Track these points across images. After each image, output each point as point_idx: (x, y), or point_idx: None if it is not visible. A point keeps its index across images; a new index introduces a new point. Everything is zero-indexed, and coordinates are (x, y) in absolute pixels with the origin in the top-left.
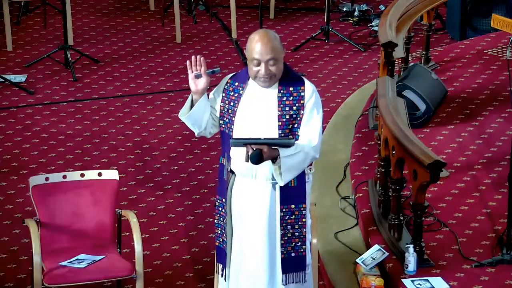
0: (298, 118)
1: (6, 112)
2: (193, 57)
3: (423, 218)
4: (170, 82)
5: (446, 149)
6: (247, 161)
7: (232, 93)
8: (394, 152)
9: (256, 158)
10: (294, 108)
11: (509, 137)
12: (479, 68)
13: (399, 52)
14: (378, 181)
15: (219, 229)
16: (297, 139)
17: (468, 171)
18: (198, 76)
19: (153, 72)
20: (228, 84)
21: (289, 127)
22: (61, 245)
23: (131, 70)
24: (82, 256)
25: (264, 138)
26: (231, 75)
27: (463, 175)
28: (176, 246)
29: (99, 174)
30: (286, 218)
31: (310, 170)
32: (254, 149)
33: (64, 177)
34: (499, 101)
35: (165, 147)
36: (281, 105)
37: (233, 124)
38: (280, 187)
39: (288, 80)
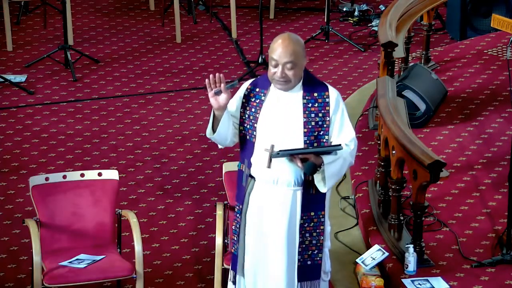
0: (324, 125)
1: (6, 112)
2: (211, 75)
3: (423, 218)
4: (170, 82)
5: (446, 149)
6: (269, 167)
7: (253, 99)
8: (394, 152)
9: (311, 169)
10: (320, 115)
11: (509, 137)
12: (479, 68)
13: (399, 52)
14: (378, 181)
15: (236, 235)
16: (340, 145)
17: (468, 171)
18: (218, 93)
19: (153, 72)
20: (248, 90)
21: (315, 134)
22: (61, 245)
23: (131, 70)
24: (82, 256)
25: (312, 147)
26: (250, 81)
27: (463, 175)
28: (176, 246)
29: (99, 174)
30: (305, 225)
31: None
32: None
33: (64, 177)
34: (499, 101)
35: (165, 147)
36: (307, 112)
37: (255, 131)
38: (302, 194)
39: (311, 86)
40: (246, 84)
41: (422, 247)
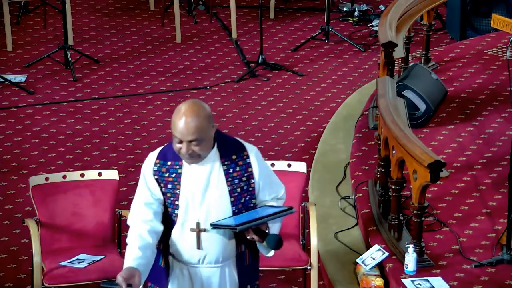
0: (250, 189)
1: (6, 112)
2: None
3: (423, 218)
4: (170, 82)
5: (446, 149)
6: (199, 247)
7: (167, 174)
8: (394, 152)
9: (277, 242)
10: (244, 178)
11: (509, 137)
12: (479, 68)
13: (399, 52)
14: (378, 181)
15: None
16: (292, 208)
17: (468, 171)
18: None
19: (153, 72)
20: (158, 165)
21: (242, 200)
22: (61, 245)
23: (131, 70)
24: (82, 256)
25: (267, 216)
26: (154, 155)
27: (463, 175)
28: None
29: (99, 174)
30: None
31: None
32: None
33: (64, 177)
34: (499, 101)
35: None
36: (230, 178)
37: (176, 209)
38: (237, 267)
39: (228, 149)
40: (152, 159)
41: (422, 247)
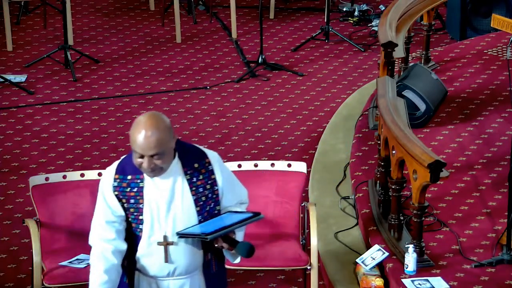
0: (214, 196)
1: (6, 112)
2: None
3: (423, 218)
4: (170, 82)
5: (446, 149)
6: (167, 261)
7: (128, 188)
8: (394, 152)
9: (249, 250)
10: (208, 186)
11: (509, 137)
12: (479, 68)
13: (399, 52)
14: (378, 181)
15: None
16: (260, 214)
17: (468, 171)
18: None
19: (153, 72)
20: (118, 181)
21: (207, 209)
22: (61, 245)
23: (131, 70)
24: (82, 256)
25: (236, 223)
26: (113, 170)
27: (463, 175)
28: None
29: (99, 174)
30: None
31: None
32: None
33: (64, 177)
34: (499, 101)
35: None
36: (194, 188)
37: (141, 224)
38: (204, 275)
39: (189, 158)
40: (111, 175)
41: (422, 247)
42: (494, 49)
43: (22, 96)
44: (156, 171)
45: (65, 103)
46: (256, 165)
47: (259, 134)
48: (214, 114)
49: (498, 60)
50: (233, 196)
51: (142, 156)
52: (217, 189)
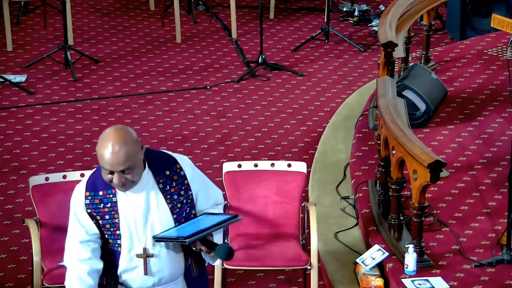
0: (189, 201)
1: (6, 112)
2: None
3: (423, 218)
4: (170, 82)
5: (446, 149)
6: (146, 273)
7: (102, 205)
8: (394, 152)
9: (228, 252)
10: (182, 192)
11: (509, 137)
12: (479, 68)
13: (399, 52)
14: (378, 181)
15: None
16: (238, 216)
17: (468, 171)
18: None
19: (153, 72)
20: (90, 198)
21: (183, 215)
22: (61, 245)
23: (131, 70)
24: None
25: (214, 225)
26: (82, 187)
27: (463, 175)
28: None
29: None
30: None
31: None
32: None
33: (64, 177)
34: (499, 101)
35: (165, 147)
36: (168, 196)
37: (119, 238)
38: (186, 280)
39: (159, 166)
40: (81, 193)
41: (422, 247)
42: (494, 49)
43: (22, 96)
44: (128, 185)
45: (65, 103)
46: (256, 165)
47: (259, 134)
48: (214, 114)
49: (498, 60)
50: (208, 199)
51: (112, 172)
52: (191, 194)
